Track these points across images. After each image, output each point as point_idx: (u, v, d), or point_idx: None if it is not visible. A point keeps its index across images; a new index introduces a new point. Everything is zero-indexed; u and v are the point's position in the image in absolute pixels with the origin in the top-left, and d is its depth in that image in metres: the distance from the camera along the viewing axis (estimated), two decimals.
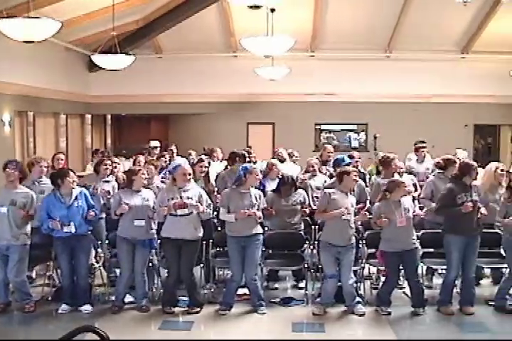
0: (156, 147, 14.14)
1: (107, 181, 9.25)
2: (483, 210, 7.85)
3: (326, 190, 8.11)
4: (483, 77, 18.83)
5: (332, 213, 7.77)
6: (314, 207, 9.06)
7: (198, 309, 7.87)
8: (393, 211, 7.72)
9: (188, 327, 7.36)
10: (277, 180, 9.41)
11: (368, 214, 8.05)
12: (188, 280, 7.89)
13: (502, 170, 8.94)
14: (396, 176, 9.36)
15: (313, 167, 10.33)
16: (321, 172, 10.54)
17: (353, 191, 8.51)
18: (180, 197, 7.73)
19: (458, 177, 8.04)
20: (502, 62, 18.18)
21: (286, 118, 18.97)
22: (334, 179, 9.12)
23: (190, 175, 7.95)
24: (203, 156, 10.58)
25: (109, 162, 9.48)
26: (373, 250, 8.42)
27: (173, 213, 7.71)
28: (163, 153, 12.79)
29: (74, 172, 7.95)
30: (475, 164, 8.14)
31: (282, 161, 12.25)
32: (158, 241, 8.19)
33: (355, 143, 20.18)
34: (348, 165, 9.54)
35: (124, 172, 8.80)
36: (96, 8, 13.68)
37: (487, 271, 9.36)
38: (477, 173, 8.11)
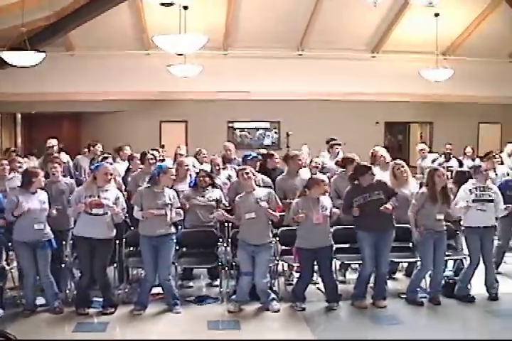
0: (53, 146, 13.62)
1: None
2: (387, 205, 8.01)
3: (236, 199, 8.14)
4: (394, 76, 19.23)
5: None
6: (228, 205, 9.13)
7: (113, 310, 7.78)
8: (311, 208, 7.81)
9: (102, 329, 7.26)
10: (188, 179, 9.48)
11: (223, 212, 8.19)
12: (102, 280, 7.80)
13: (402, 167, 9.20)
14: (305, 173, 9.51)
15: (218, 165, 10.37)
16: (224, 168, 10.59)
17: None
18: (98, 197, 7.64)
19: (353, 179, 8.23)
20: (411, 62, 18.56)
21: (199, 116, 18.90)
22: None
23: (111, 175, 7.88)
24: (107, 154, 10.46)
25: (5, 162, 9.35)
26: (286, 247, 8.52)
27: (88, 211, 7.60)
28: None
29: None
30: (370, 166, 8.31)
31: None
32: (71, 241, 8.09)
33: (267, 141, 20.29)
34: (254, 159, 9.63)
35: (23, 172, 8.39)
36: (5, 2, 13.32)
37: (400, 265, 9.58)
38: (373, 174, 8.24)
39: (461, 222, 8.62)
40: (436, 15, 17.05)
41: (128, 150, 12.13)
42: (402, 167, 9.22)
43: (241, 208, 7.89)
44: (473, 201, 8.29)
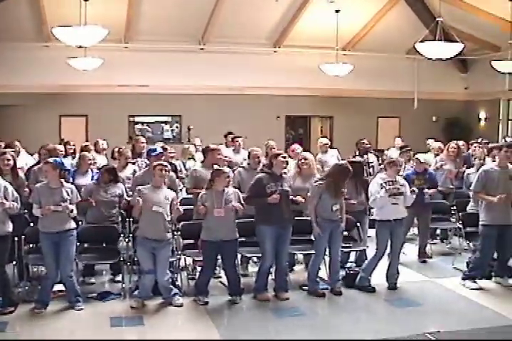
0: None
1: None
2: (299, 198, 8.09)
3: (139, 187, 8.04)
4: (294, 70, 19.50)
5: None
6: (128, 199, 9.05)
7: (13, 308, 7.53)
8: (213, 200, 7.81)
9: (2, 329, 7.02)
10: (90, 173, 9.34)
11: (180, 208, 8.09)
12: (0, 278, 7.59)
13: (306, 160, 9.34)
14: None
15: (127, 158, 10.28)
16: (133, 163, 10.51)
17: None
18: None
19: (267, 167, 8.27)
20: (312, 56, 18.87)
21: (100, 110, 18.60)
22: (145, 170, 9.41)
23: None
24: (7, 149, 10.15)
25: None
26: (189, 241, 8.52)
27: None
28: None
29: None
30: (280, 153, 8.41)
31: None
32: None
33: (168, 135, 20.19)
34: (159, 155, 9.57)
35: None
36: None
37: (300, 257, 9.72)
38: (282, 162, 8.32)
39: (373, 216, 8.79)
40: (337, 11, 17.38)
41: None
42: (306, 159, 9.36)
43: (147, 201, 7.77)
44: (387, 195, 8.46)
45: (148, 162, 10.06)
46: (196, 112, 19.21)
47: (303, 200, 8.17)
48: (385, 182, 8.55)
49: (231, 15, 17.53)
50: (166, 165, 8.07)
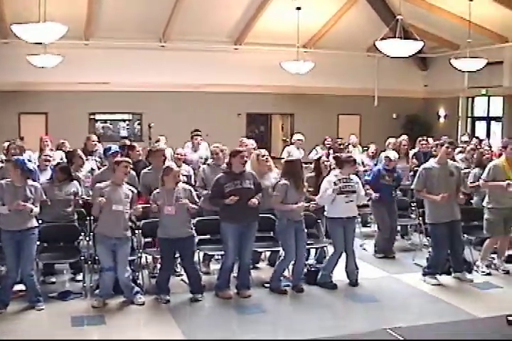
0: None
1: None
2: (254, 200, 8.09)
3: (97, 185, 7.98)
4: (256, 67, 19.52)
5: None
6: (87, 198, 9.00)
7: None
8: (164, 198, 7.79)
9: None
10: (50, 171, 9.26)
11: (140, 207, 8.07)
12: None
13: (263, 156, 9.39)
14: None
15: (81, 158, 10.18)
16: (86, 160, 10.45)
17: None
18: None
19: (227, 166, 8.27)
20: (273, 54, 18.88)
21: (60, 107, 18.43)
22: (104, 168, 9.34)
23: None
24: None
25: None
26: (149, 239, 8.49)
27: None
28: None
29: None
30: (238, 150, 8.41)
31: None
32: None
33: (129, 133, 20.04)
34: (116, 153, 9.50)
35: None
36: None
37: (263, 255, 9.72)
38: (240, 161, 8.34)
39: (325, 213, 8.83)
40: (298, 8, 17.42)
41: None
42: (264, 156, 9.39)
43: (108, 200, 7.72)
44: (339, 193, 8.50)
45: (98, 160, 10.02)
46: (157, 110, 19.11)
47: (256, 203, 8.14)
48: (339, 180, 8.59)
49: (192, 13, 17.50)
50: (130, 162, 8.04)
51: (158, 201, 7.81)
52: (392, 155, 10.42)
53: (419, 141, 13.28)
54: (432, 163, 8.89)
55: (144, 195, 8.86)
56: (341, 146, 13.24)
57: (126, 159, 8.23)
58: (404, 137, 12.68)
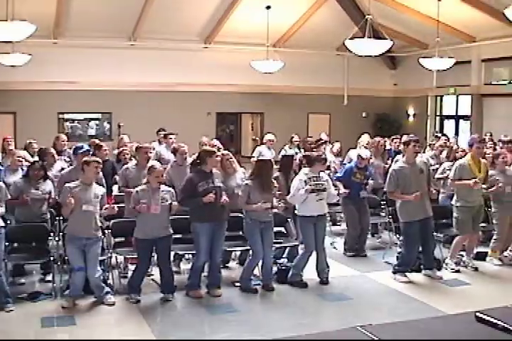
0: None
1: None
2: (224, 197, 8.09)
3: (67, 185, 7.91)
4: (225, 67, 19.53)
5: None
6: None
7: None
8: (149, 197, 7.76)
9: None
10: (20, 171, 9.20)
11: (115, 207, 8.03)
12: None
13: (231, 158, 9.42)
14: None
15: (53, 156, 10.12)
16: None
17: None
18: None
19: (196, 165, 8.24)
20: (243, 53, 18.93)
21: (29, 107, 18.20)
22: (71, 167, 9.33)
23: None
24: None
25: None
26: (120, 239, 8.45)
27: None
28: None
29: None
30: (214, 150, 8.42)
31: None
32: None
33: (99, 132, 19.91)
34: (86, 152, 9.45)
35: None
36: None
37: (233, 254, 9.73)
38: (216, 161, 8.37)
39: (296, 211, 8.86)
40: (268, 7, 17.45)
41: None
42: (230, 158, 9.41)
43: (77, 200, 7.66)
44: (310, 191, 8.52)
45: (67, 159, 9.95)
46: (127, 109, 19.05)
47: (227, 200, 8.14)
48: (309, 178, 8.62)
49: (162, 12, 17.44)
50: (100, 162, 8.00)
51: (142, 200, 7.76)
52: (364, 153, 10.48)
53: (392, 140, 13.38)
54: (400, 163, 8.97)
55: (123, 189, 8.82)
56: (314, 145, 13.23)
57: (97, 159, 8.18)
58: (378, 138, 12.62)
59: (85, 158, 8.21)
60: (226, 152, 9.72)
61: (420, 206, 8.69)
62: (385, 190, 9.52)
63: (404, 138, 13.26)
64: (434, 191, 9.12)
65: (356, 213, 10.26)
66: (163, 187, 8.02)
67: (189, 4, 17.51)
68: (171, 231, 8.04)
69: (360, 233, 10.28)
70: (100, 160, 8.15)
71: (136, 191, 7.91)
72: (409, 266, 8.94)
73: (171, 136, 12.62)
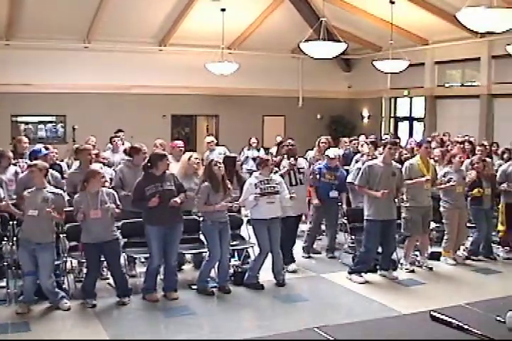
0: None
1: None
2: (177, 199, 8.03)
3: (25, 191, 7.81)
4: (180, 69, 19.51)
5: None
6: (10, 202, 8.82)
7: None
8: (88, 202, 7.69)
9: None
10: None
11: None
12: None
13: (196, 159, 9.40)
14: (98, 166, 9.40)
15: (9, 159, 9.97)
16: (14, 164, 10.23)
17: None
18: None
19: (147, 169, 8.18)
20: (197, 55, 18.88)
21: None
22: (26, 172, 9.03)
23: None
24: None
25: None
26: (75, 243, 8.37)
27: None
28: None
29: None
30: (165, 154, 8.38)
31: None
32: None
33: (53, 135, 19.71)
34: (46, 155, 9.37)
35: None
36: None
37: (188, 257, 9.70)
38: (168, 162, 8.35)
39: (249, 215, 8.88)
40: (223, 10, 17.47)
41: None
42: (196, 160, 9.39)
43: (26, 204, 7.57)
44: (260, 195, 8.53)
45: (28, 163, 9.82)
46: (81, 112, 18.86)
47: (179, 202, 8.08)
48: (260, 182, 8.63)
49: (116, 14, 17.34)
50: (44, 167, 7.86)
51: (80, 206, 7.68)
52: (332, 152, 10.47)
53: (351, 141, 13.49)
54: (377, 161, 9.13)
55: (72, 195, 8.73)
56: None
57: (39, 163, 8.04)
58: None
59: (28, 163, 8.09)
60: (194, 154, 9.63)
61: (386, 206, 8.83)
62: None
63: (362, 138, 13.48)
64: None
65: (323, 214, 10.31)
66: (104, 189, 7.95)
67: (144, 6, 17.44)
68: (117, 235, 7.98)
69: (332, 234, 10.44)
70: (45, 165, 8.00)
71: (76, 196, 7.82)
72: (366, 265, 9.01)
73: (115, 139, 12.52)
